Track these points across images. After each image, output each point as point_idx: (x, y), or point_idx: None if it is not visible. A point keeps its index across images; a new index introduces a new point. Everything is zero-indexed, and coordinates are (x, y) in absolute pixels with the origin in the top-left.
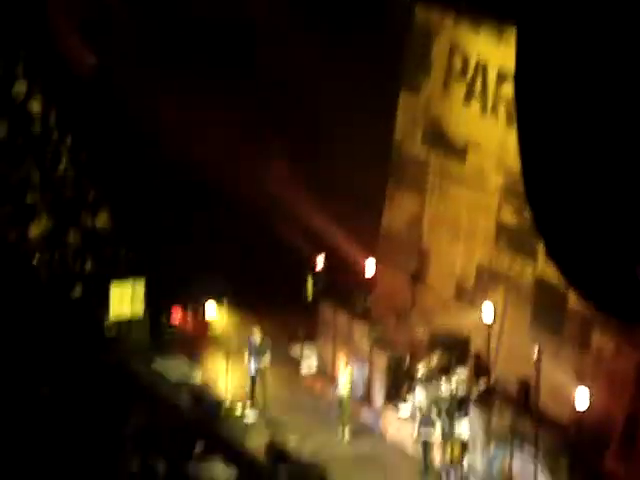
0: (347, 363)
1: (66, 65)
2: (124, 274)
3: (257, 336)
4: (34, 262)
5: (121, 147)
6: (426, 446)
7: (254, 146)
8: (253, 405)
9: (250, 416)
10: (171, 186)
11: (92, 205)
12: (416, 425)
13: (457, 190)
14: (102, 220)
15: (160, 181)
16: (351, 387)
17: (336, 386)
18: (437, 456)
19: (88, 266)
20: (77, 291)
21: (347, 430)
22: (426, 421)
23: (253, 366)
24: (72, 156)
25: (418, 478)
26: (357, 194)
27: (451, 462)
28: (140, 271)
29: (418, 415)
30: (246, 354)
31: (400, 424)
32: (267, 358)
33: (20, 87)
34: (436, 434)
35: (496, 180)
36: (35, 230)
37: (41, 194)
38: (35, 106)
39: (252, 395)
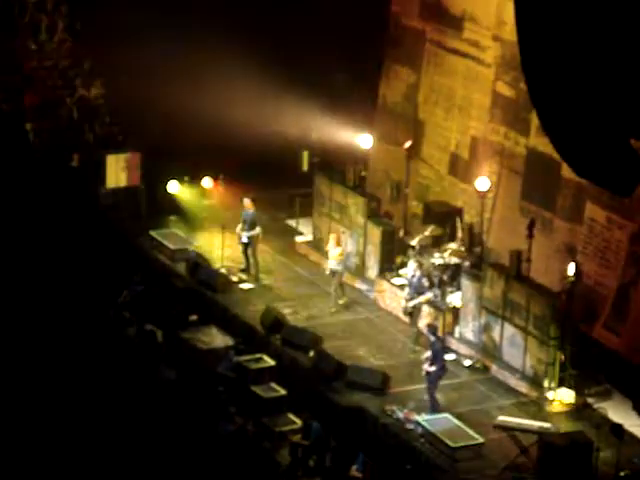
0: (338, 242)
1: None
2: (121, 147)
3: (249, 208)
4: (29, 131)
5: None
6: (416, 314)
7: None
8: (247, 274)
9: (246, 284)
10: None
11: (88, 75)
12: (407, 294)
13: (453, 61)
14: (97, 90)
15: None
16: (344, 261)
17: (329, 260)
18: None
19: (85, 136)
20: (74, 161)
21: (342, 299)
22: (418, 291)
23: (245, 236)
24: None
25: (409, 342)
26: (353, 67)
27: (442, 331)
28: (137, 145)
29: (410, 285)
30: (239, 226)
31: (393, 293)
32: (257, 230)
33: None
34: (427, 304)
35: (493, 51)
36: (32, 99)
37: (37, 63)
38: None
39: (247, 264)
